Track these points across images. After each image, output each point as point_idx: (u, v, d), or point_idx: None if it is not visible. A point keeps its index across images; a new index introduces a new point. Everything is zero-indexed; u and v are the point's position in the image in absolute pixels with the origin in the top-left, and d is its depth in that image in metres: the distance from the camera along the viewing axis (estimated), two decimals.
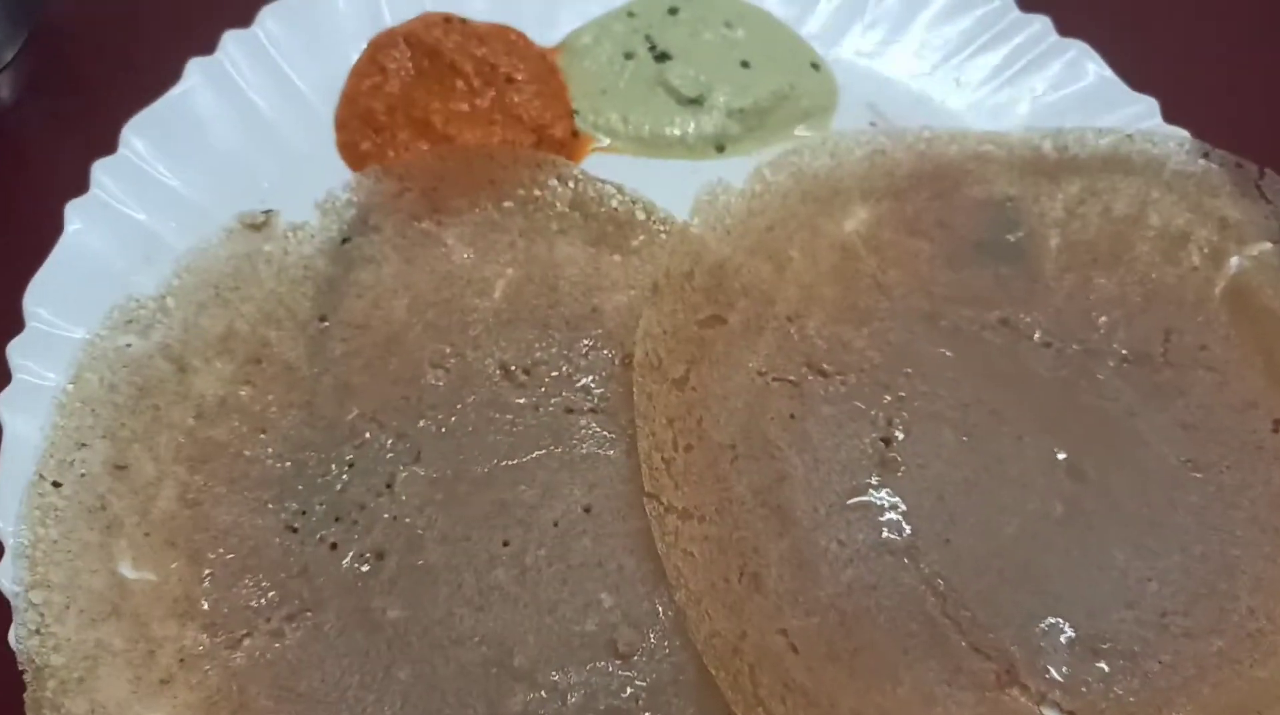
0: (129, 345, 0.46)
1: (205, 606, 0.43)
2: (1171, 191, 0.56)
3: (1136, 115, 0.59)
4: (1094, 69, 0.61)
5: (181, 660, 0.41)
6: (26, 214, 0.52)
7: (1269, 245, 0.53)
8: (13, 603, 0.39)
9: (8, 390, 0.45)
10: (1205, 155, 0.56)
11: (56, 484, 0.42)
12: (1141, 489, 0.49)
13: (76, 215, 0.50)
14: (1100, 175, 0.57)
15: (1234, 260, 0.54)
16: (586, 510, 0.47)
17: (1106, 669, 0.44)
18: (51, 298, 0.47)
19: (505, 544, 0.46)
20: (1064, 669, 0.44)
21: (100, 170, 0.51)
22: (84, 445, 0.43)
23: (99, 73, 0.62)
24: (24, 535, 0.40)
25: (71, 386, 0.44)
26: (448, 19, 0.60)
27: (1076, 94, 0.61)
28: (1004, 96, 0.62)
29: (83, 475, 0.43)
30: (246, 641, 0.43)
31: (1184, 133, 0.57)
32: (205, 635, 0.42)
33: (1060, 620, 0.45)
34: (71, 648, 0.39)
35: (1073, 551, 0.47)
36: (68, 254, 0.48)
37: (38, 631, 0.38)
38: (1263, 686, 0.43)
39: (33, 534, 0.40)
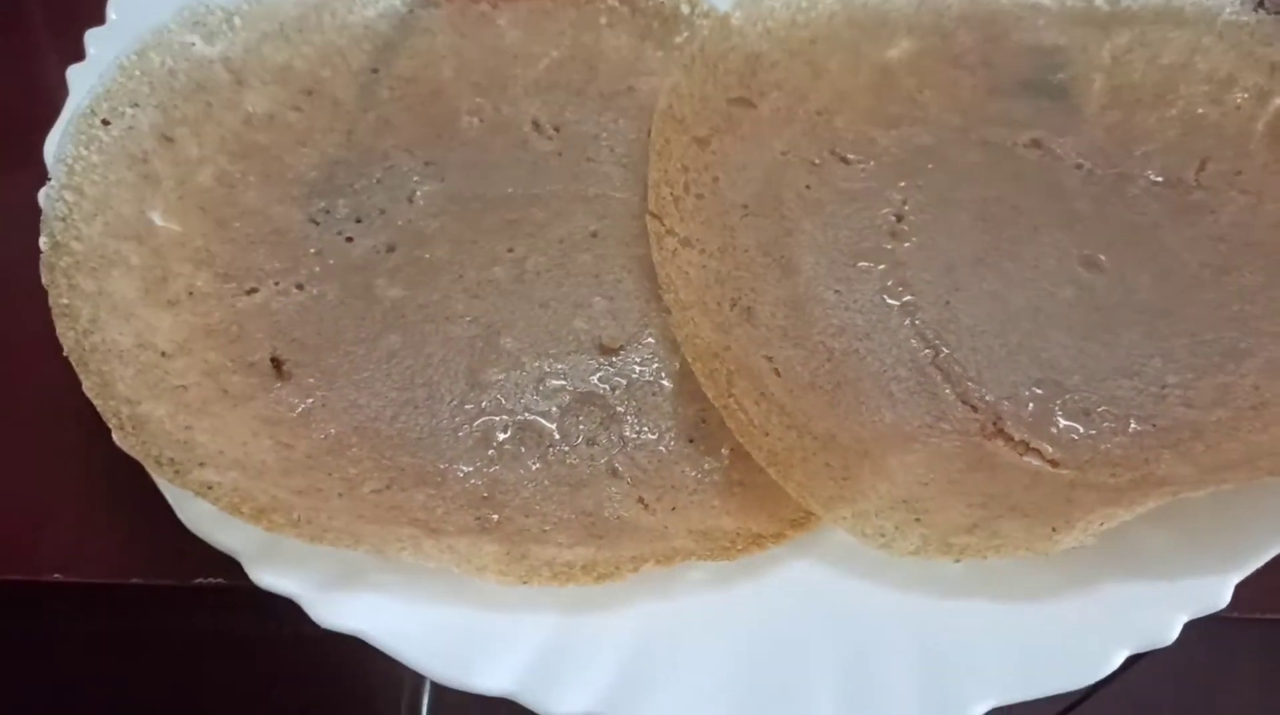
0: (193, 44, 0.50)
1: (222, 260, 0.45)
2: (1223, 40, 0.56)
3: None
4: None
5: (190, 293, 0.44)
6: None
7: None
8: (45, 200, 0.42)
9: (79, 65, 0.49)
10: (1261, 5, 0.56)
11: (106, 122, 0.45)
12: (1158, 283, 0.48)
13: None
14: (1151, 26, 0.57)
15: (1278, 100, 0.53)
16: (593, 234, 0.48)
17: (1097, 428, 0.43)
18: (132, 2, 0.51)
19: (510, 250, 0.47)
20: (1052, 425, 0.43)
21: None
22: (137, 104, 0.47)
23: None
24: (68, 149, 0.43)
25: (135, 56, 0.48)
26: None
27: None
28: None
29: (130, 128, 0.46)
30: (254, 294, 0.45)
31: None
32: (217, 281, 0.45)
33: (1054, 383, 0.44)
34: (92, 243, 0.41)
35: (1076, 328, 0.46)
36: None
37: (63, 219, 0.41)
38: (1260, 447, 0.41)
39: (75, 151, 0.43)
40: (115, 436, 0.36)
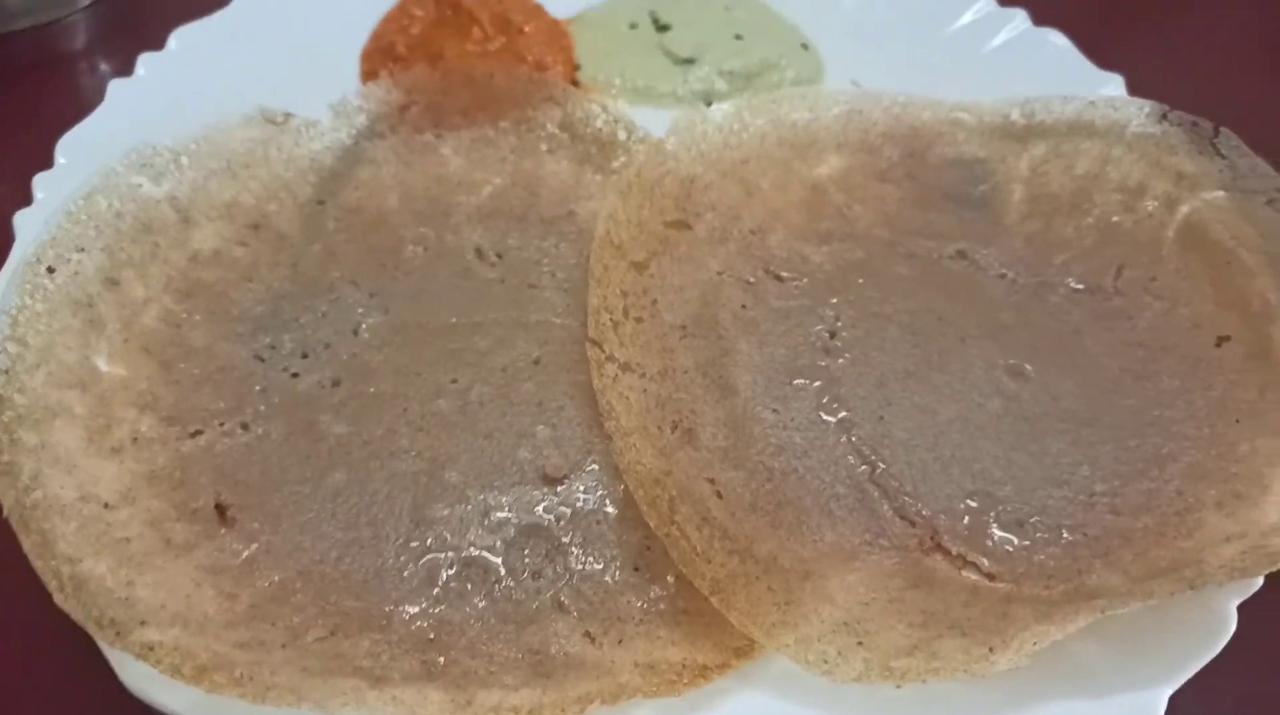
0: (140, 185, 0.51)
1: (166, 403, 0.46)
2: (1132, 151, 0.59)
3: (1104, 91, 0.62)
4: (1064, 52, 0.65)
5: (134, 439, 0.44)
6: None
7: (1221, 193, 0.55)
8: None
9: (26, 210, 0.50)
10: (1164, 117, 0.59)
11: (51, 269, 0.46)
12: (1082, 390, 0.49)
13: (117, 91, 0.56)
14: (1065, 138, 0.60)
15: (1186, 207, 0.56)
16: (536, 362, 0.49)
17: (1030, 539, 0.44)
18: (80, 147, 0.52)
19: (453, 381, 0.48)
20: (988, 537, 0.44)
21: (143, 62, 0.58)
22: (82, 249, 0.47)
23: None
24: (12, 299, 0.43)
25: (82, 201, 0.49)
26: None
27: (1048, 75, 0.64)
28: (980, 81, 0.65)
29: (76, 273, 0.47)
30: (199, 436, 0.45)
31: (1146, 101, 0.60)
32: (161, 425, 0.45)
33: (987, 495, 0.46)
34: (35, 395, 0.42)
35: (1006, 438, 0.48)
36: (104, 115, 0.54)
37: (6, 371, 0.41)
38: (1186, 554, 0.42)
39: (20, 301, 0.44)
40: (56, 598, 0.36)
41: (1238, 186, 0.55)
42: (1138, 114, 0.59)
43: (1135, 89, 0.62)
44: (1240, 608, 0.40)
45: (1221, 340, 0.50)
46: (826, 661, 0.38)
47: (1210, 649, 0.39)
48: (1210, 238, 0.54)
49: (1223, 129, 0.57)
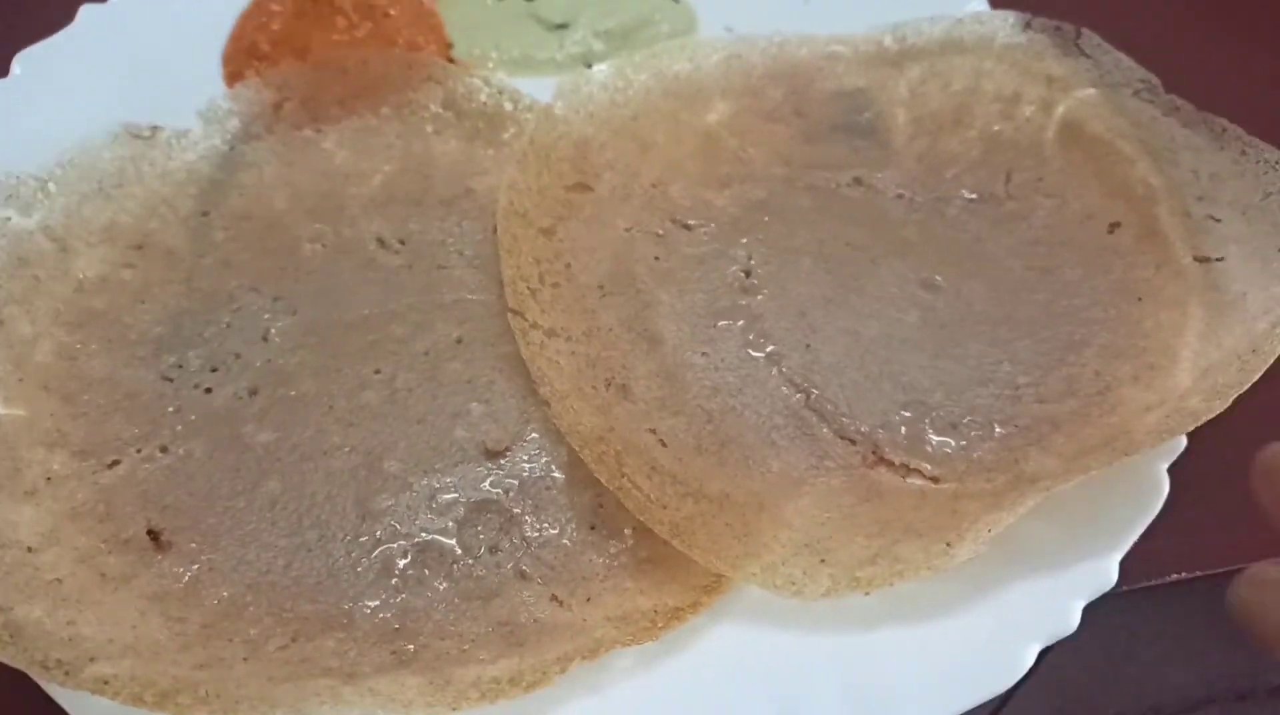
0: (9, 219, 0.48)
1: (76, 438, 0.43)
2: (1002, 61, 0.60)
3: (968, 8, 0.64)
4: None
5: (48, 479, 0.42)
6: None
7: (1091, 90, 0.57)
8: None
9: None
10: (1028, 25, 0.61)
11: None
12: (992, 293, 0.51)
13: None
14: (938, 58, 0.62)
15: (1061, 107, 0.58)
16: (458, 341, 0.48)
17: (966, 438, 0.45)
18: None
19: (376, 372, 0.47)
20: (926, 443, 0.45)
21: None
22: None
23: None
24: None
25: None
26: None
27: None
28: (849, 12, 0.66)
29: None
30: (117, 466, 0.43)
31: (1010, 12, 0.62)
32: (74, 460, 0.43)
33: (919, 404, 0.47)
34: None
35: (928, 348, 0.49)
36: None
37: None
38: (1112, 428, 0.44)
39: None
40: None
41: (1105, 82, 0.58)
42: (1003, 25, 0.61)
43: (997, 1, 0.64)
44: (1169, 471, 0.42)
45: (1113, 227, 0.52)
46: (794, 583, 0.39)
47: (1149, 512, 0.41)
48: (1088, 133, 0.56)
49: (1084, 30, 0.60)
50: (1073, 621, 0.38)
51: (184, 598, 0.39)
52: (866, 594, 0.39)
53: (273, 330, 0.48)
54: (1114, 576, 0.39)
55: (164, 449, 0.44)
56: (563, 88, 0.57)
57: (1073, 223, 0.53)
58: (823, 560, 0.40)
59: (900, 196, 0.56)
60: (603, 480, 0.41)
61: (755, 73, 0.62)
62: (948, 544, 0.39)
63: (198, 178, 0.54)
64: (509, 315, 0.46)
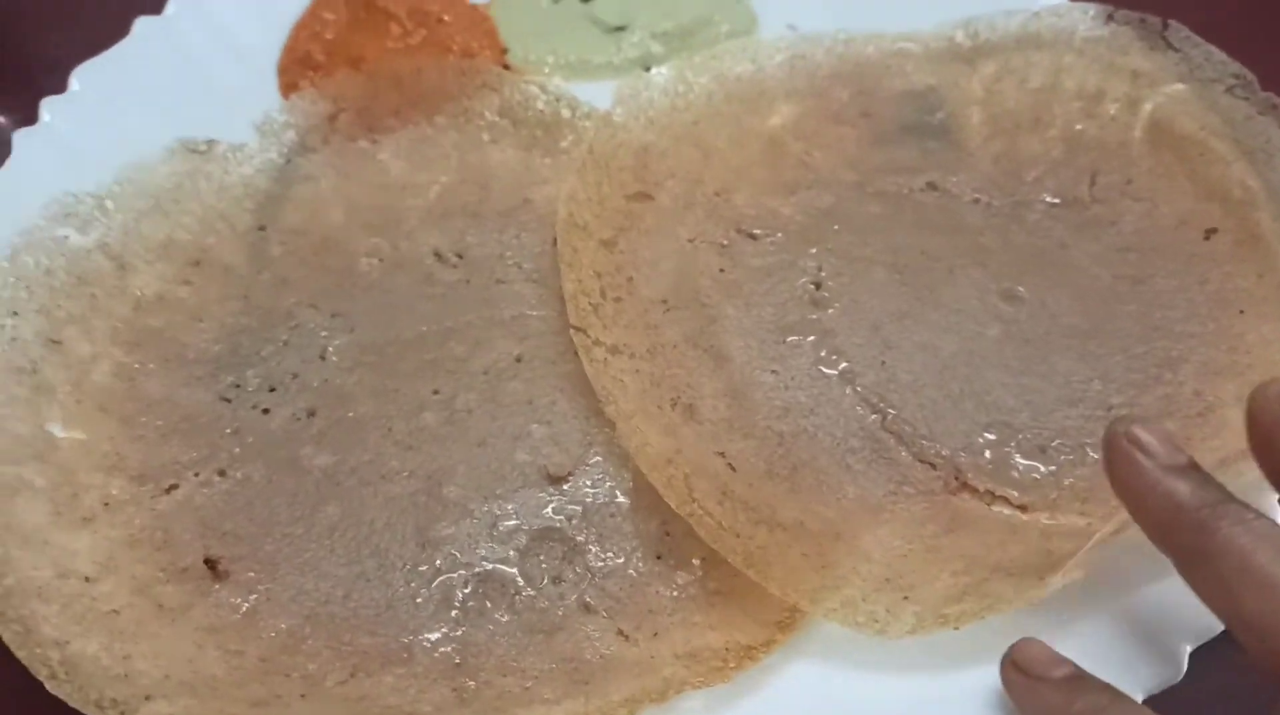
0: (67, 237, 0.48)
1: (134, 461, 0.43)
2: (1083, 56, 0.57)
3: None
4: None
5: (106, 504, 0.41)
6: None
7: (1180, 85, 0.54)
8: None
9: None
10: (1111, 18, 0.58)
11: None
12: (1079, 304, 0.48)
13: (23, 142, 0.52)
14: (1014, 53, 0.59)
15: (1148, 104, 0.54)
16: (518, 359, 0.47)
17: (1056, 462, 0.43)
18: None
19: (435, 392, 0.45)
20: (1013, 468, 0.43)
21: (47, 108, 0.54)
22: (16, 313, 0.44)
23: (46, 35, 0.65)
24: None
25: (6, 263, 0.45)
26: None
27: None
28: (919, 7, 0.64)
29: (13, 339, 0.43)
30: (175, 491, 0.42)
31: (1090, 4, 0.59)
32: (133, 485, 0.42)
33: (1004, 425, 0.44)
34: None
35: (1012, 364, 0.46)
36: (14, 169, 0.51)
37: None
38: (1217, 456, 0.41)
39: None
40: (49, 686, 0.33)
41: (1195, 76, 0.54)
42: (1083, 18, 0.58)
43: None
44: None
45: (1209, 233, 0.49)
46: (877, 620, 0.37)
47: None
48: (1178, 131, 0.53)
49: (1171, 21, 0.56)
50: (1179, 668, 0.35)
51: (241, 630, 0.38)
52: (956, 629, 0.36)
53: (330, 348, 0.47)
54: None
55: (222, 473, 0.43)
56: (621, 93, 0.55)
57: (1165, 228, 0.50)
58: (906, 596, 0.38)
59: (977, 201, 0.53)
60: (672, 505, 0.39)
61: (820, 73, 0.59)
62: (1041, 577, 0.36)
63: (254, 192, 0.54)
64: (572, 332, 0.45)
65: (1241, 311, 0.46)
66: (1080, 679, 0.33)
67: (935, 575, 0.39)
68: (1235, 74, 0.54)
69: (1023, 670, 0.34)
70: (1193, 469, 0.32)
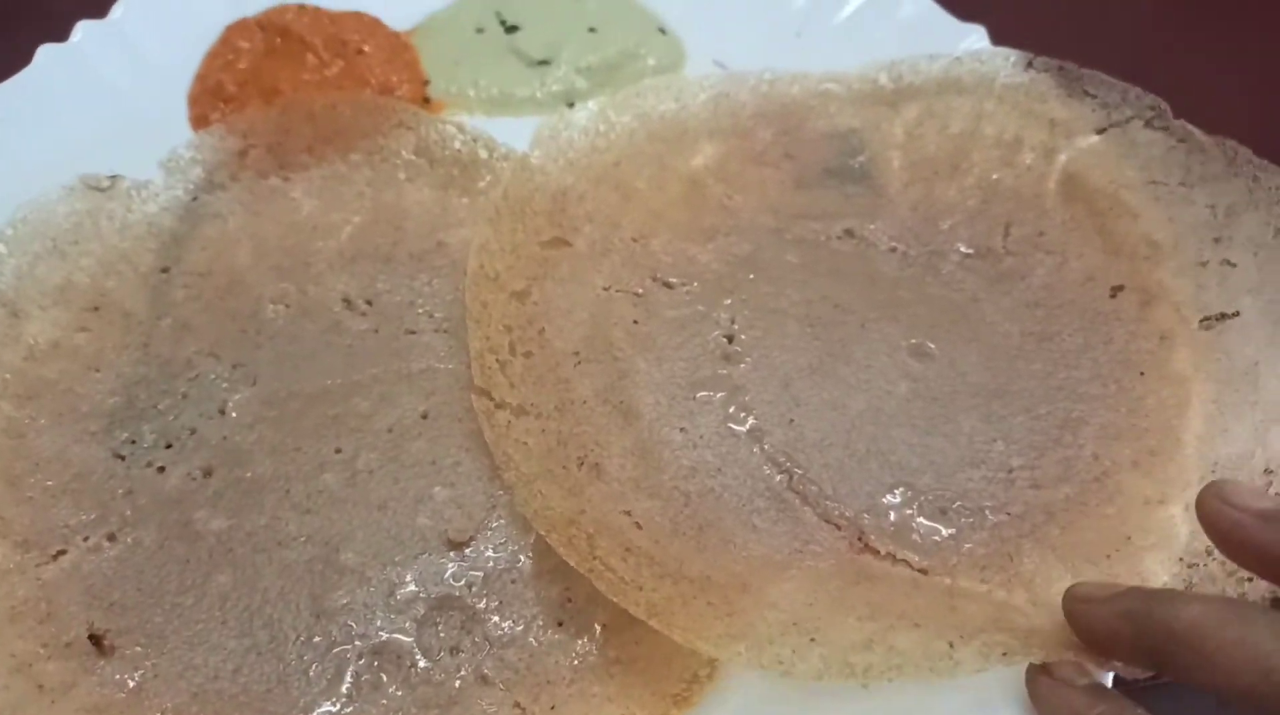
0: None
1: (19, 526, 0.41)
2: (1003, 103, 0.58)
3: (967, 44, 0.61)
4: (924, 8, 0.63)
5: None
6: None
7: (1095, 136, 0.55)
8: None
9: None
10: (1030, 65, 0.58)
11: None
12: (987, 361, 0.48)
13: None
14: (936, 97, 0.59)
15: (1063, 155, 0.55)
16: (423, 416, 0.46)
17: (956, 526, 0.43)
18: None
19: (337, 451, 0.45)
20: (914, 531, 0.43)
21: None
22: None
23: None
24: None
25: None
26: (302, 6, 0.62)
27: (910, 32, 0.63)
28: (843, 45, 0.64)
29: None
30: (62, 557, 0.41)
31: (1011, 50, 0.59)
32: (16, 552, 0.41)
33: (908, 486, 0.44)
34: None
35: (918, 424, 0.46)
36: None
37: None
38: (1110, 523, 0.42)
39: None
40: None
41: (1112, 120, 0.55)
42: (1004, 64, 0.58)
43: (999, 38, 0.61)
44: None
45: (1115, 290, 0.50)
46: (783, 662, 0.37)
47: None
48: (1091, 184, 0.53)
49: (1087, 70, 0.57)
50: None
51: (126, 710, 0.37)
52: (865, 686, 0.36)
53: (230, 402, 0.46)
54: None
55: (111, 537, 0.42)
56: (540, 134, 0.54)
57: (1073, 284, 0.51)
58: (813, 639, 0.38)
59: (893, 249, 0.54)
60: (572, 563, 0.39)
61: (744, 112, 0.59)
62: (950, 644, 0.36)
63: (158, 231, 0.52)
64: (473, 395, 0.44)
65: (1142, 373, 0.46)
66: (1103, 688, 0.35)
67: (842, 620, 0.39)
68: (1151, 105, 0.54)
69: (1049, 673, 0.36)
70: None
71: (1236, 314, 0.47)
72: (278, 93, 0.58)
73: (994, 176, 0.56)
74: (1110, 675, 0.37)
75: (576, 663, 0.39)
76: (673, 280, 0.52)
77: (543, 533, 0.40)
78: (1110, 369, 0.47)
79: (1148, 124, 0.54)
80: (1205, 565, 0.39)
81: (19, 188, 0.51)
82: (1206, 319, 0.48)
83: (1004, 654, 0.36)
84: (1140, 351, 0.47)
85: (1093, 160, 0.54)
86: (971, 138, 0.57)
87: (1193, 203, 0.51)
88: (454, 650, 0.39)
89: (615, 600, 0.39)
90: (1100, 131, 0.54)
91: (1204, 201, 0.50)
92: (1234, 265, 0.48)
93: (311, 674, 0.38)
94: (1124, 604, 0.34)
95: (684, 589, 0.40)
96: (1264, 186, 0.49)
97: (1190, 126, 0.53)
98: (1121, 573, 0.39)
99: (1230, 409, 0.44)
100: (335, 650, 0.39)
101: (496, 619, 0.40)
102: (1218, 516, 0.33)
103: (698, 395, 0.47)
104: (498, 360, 0.46)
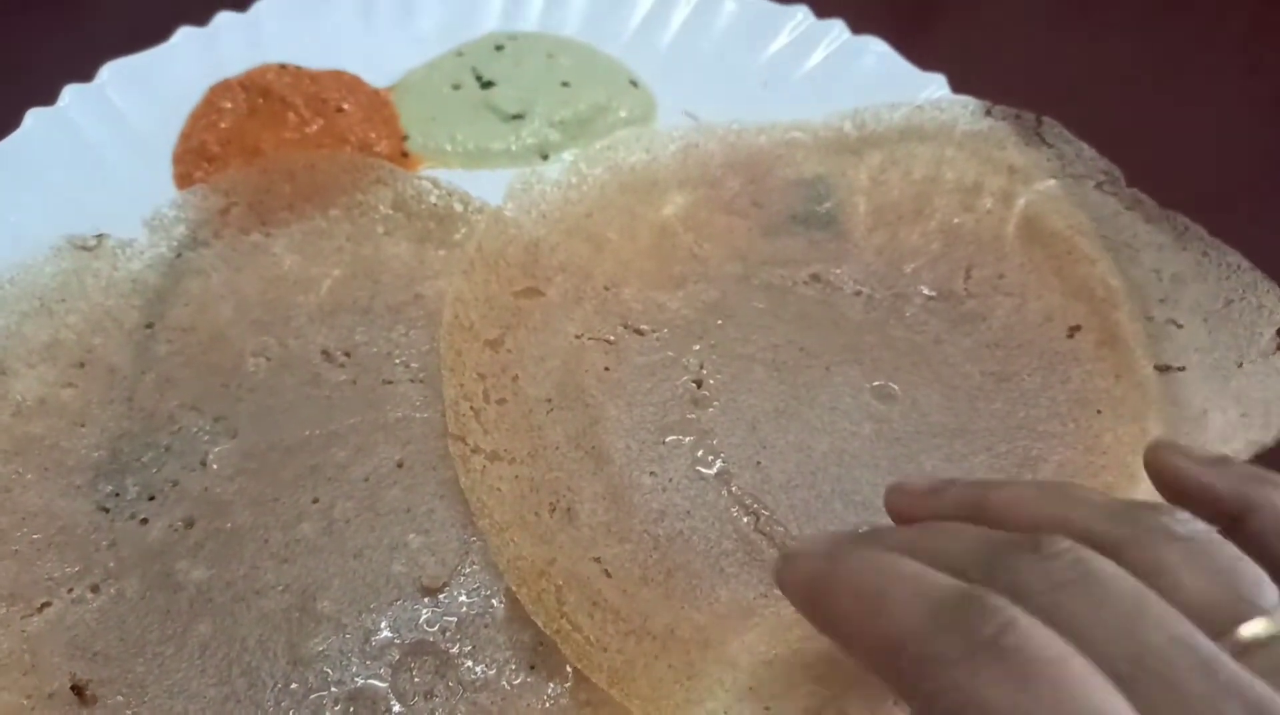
0: None
1: (5, 580, 0.42)
2: (963, 149, 0.60)
3: (928, 93, 0.63)
4: (886, 58, 0.65)
5: None
6: None
7: (1052, 181, 0.57)
8: None
9: None
10: (989, 113, 0.60)
11: None
12: (948, 402, 0.50)
13: None
14: (898, 145, 0.61)
15: (1022, 200, 0.57)
16: (399, 465, 0.47)
17: None
18: None
19: (315, 501, 0.46)
20: None
21: None
22: None
23: None
24: None
25: None
26: (283, 66, 0.64)
27: (872, 81, 0.65)
28: (808, 95, 0.66)
29: None
30: (46, 610, 0.42)
31: (970, 98, 0.61)
32: (1, 606, 0.42)
33: (872, 526, 0.45)
34: None
35: (882, 464, 0.48)
36: None
37: None
38: None
39: None
40: None
41: (1067, 173, 0.57)
42: (963, 112, 0.61)
43: (958, 86, 0.63)
44: None
45: (1073, 330, 0.51)
46: None
47: None
48: (1048, 228, 0.55)
49: (1045, 118, 0.59)
50: None
51: None
52: None
53: (211, 455, 0.47)
54: None
55: (95, 589, 0.43)
56: (513, 188, 0.56)
57: (1032, 324, 0.52)
58: (768, 708, 0.39)
59: (859, 293, 0.55)
60: (540, 624, 0.40)
61: (713, 162, 0.61)
62: (894, 702, 0.37)
63: (143, 288, 0.54)
64: (449, 441, 0.45)
65: (1099, 411, 0.48)
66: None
67: (798, 683, 0.40)
68: (1104, 170, 0.56)
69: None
70: None
71: (1183, 368, 0.49)
72: (260, 151, 0.59)
73: (955, 221, 0.57)
74: None
75: (549, 705, 0.40)
76: (643, 327, 0.53)
77: (513, 587, 0.41)
78: (1068, 407, 0.48)
79: (1098, 186, 0.56)
80: None
81: (7, 249, 0.53)
82: (1159, 367, 0.49)
83: None
84: (1097, 390, 0.49)
85: (1050, 205, 0.56)
86: (933, 183, 0.59)
87: (1139, 264, 0.52)
88: (428, 695, 0.40)
89: (579, 667, 0.40)
90: (1056, 177, 0.56)
91: (1150, 265, 0.52)
92: (1181, 326, 0.50)
93: None
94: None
95: (647, 647, 0.41)
96: (1214, 262, 0.51)
97: (1141, 195, 0.54)
98: None
99: None
100: (312, 697, 0.40)
101: (469, 663, 0.41)
102: (1164, 465, 0.34)
103: (667, 439, 0.49)
104: (472, 407, 0.47)
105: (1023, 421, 0.48)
